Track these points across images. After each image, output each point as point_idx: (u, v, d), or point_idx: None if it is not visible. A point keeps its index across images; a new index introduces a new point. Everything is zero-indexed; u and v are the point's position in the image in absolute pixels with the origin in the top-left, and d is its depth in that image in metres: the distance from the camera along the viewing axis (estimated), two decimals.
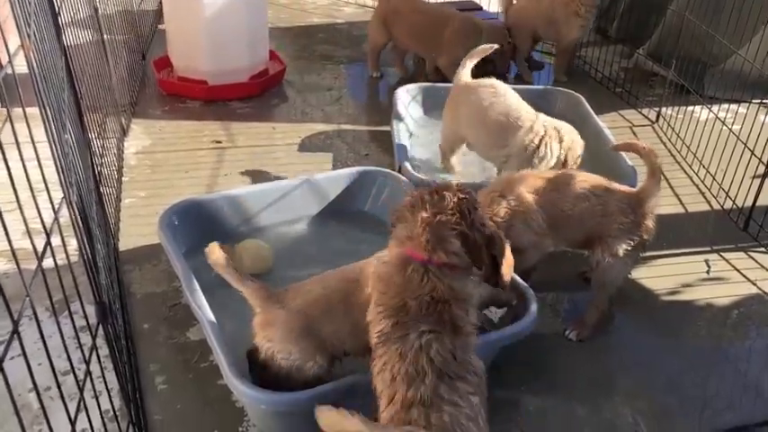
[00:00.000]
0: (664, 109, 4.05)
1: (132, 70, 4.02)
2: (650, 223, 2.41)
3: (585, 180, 2.45)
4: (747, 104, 4.04)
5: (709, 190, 3.39)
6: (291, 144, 3.66)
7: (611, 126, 3.95)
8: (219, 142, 3.63)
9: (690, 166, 3.58)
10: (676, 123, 3.83)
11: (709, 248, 3.00)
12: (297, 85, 4.34)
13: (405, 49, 4.45)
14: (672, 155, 3.72)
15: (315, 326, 1.92)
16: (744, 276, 2.84)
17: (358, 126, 3.87)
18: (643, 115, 4.15)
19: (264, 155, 3.54)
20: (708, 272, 2.85)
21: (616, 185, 2.46)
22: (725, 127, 3.40)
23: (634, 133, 3.93)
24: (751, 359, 2.45)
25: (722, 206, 3.27)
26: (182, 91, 4.06)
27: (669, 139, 3.85)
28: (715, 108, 3.68)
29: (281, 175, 3.27)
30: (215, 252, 1.98)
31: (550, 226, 2.41)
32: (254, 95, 4.11)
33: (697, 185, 3.46)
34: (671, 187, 3.42)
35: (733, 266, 2.89)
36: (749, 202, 3.12)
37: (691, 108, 3.92)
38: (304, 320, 1.91)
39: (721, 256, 2.95)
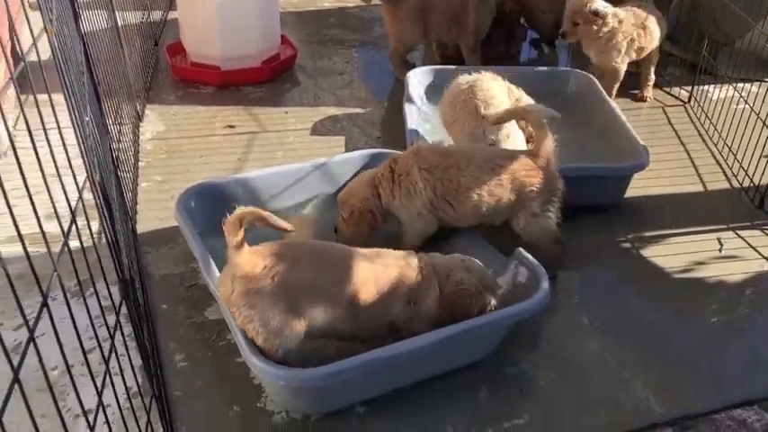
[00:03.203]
0: (693, 88, 4.02)
1: (145, 56, 4.05)
2: (556, 177, 2.56)
3: (487, 152, 2.58)
4: (759, 83, 4.02)
5: (730, 168, 3.39)
6: (304, 128, 3.68)
7: (643, 107, 3.99)
8: (233, 127, 3.67)
9: (715, 146, 3.57)
10: (705, 103, 3.81)
11: (724, 226, 3.01)
12: (308, 69, 4.35)
13: (434, 39, 4.34)
14: (700, 134, 3.72)
15: (298, 301, 1.96)
16: (758, 253, 2.85)
17: (370, 109, 3.89)
18: (673, 96, 4.12)
19: (277, 139, 3.57)
20: (720, 249, 2.86)
21: (515, 151, 2.61)
22: (742, 106, 3.40)
23: (666, 114, 3.92)
24: (763, 335, 2.47)
25: (741, 184, 3.27)
26: (195, 76, 4.09)
27: (699, 119, 3.84)
28: (727, 87, 3.67)
29: (295, 158, 3.30)
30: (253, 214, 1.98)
31: (443, 203, 2.51)
32: (267, 80, 4.13)
33: (720, 164, 3.45)
34: (694, 167, 3.42)
35: (748, 244, 2.90)
36: (765, 180, 3.12)
37: (705, 87, 3.91)
38: (289, 292, 1.95)
39: (737, 233, 2.96)
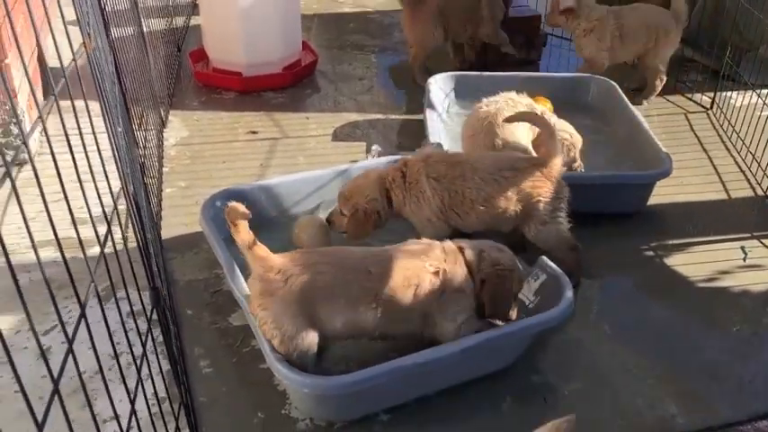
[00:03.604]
0: (716, 95, 3.99)
1: (169, 63, 4.10)
2: (563, 185, 2.55)
3: (493, 163, 2.54)
4: None
5: (754, 176, 3.36)
6: (325, 134, 3.71)
7: (664, 113, 3.96)
8: (255, 132, 3.70)
9: (738, 153, 3.55)
10: (728, 110, 3.79)
11: (748, 234, 2.99)
12: (329, 75, 4.38)
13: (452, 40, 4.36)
14: (722, 141, 3.69)
15: (312, 305, 1.98)
16: None
17: (390, 115, 3.90)
18: (695, 102, 4.09)
19: (299, 144, 3.60)
20: (744, 258, 2.84)
21: (522, 161, 2.57)
22: (766, 113, 3.37)
23: (688, 120, 3.90)
24: None
25: (765, 192, 3.24)
26: (217, 82, 4.13)
27: (721, 126, 3.81)
28: (750, 93, 3.65)
29: (316, 164, 3.32)
30: (235, 209, 2.00)
31: (450, 212, 2.52)
32: (288, 86, 4.16)
33: (744, 172, 3.43)
34: (718, 174, 3.40)
35: None
36: None
37: (727, 93, 3.89)
38: (303, 299, 1.96)
39: (761, 242, 2.94)
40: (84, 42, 1.24)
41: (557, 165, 2.53)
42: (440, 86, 3.73)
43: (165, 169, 3.32)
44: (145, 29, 3.33)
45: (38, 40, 1.16)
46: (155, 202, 2.83)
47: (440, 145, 3.05)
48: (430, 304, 2.07)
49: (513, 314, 2.19)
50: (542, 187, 2.50)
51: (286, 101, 4.05)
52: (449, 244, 2.18)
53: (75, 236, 1.19)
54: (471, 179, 2.49)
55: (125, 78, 2.53)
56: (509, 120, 2.76)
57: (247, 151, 3.53)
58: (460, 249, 2.16)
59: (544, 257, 2.39)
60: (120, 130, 1.54)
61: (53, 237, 1.08)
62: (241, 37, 3.97)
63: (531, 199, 2.50)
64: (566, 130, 3.03)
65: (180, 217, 2.96)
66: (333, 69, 4.45)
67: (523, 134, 2.92)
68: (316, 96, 4.13)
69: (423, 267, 2.07)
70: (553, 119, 2.93)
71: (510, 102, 2.97)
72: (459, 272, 2.11)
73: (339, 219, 2.60)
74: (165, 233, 2.87)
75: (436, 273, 2.07)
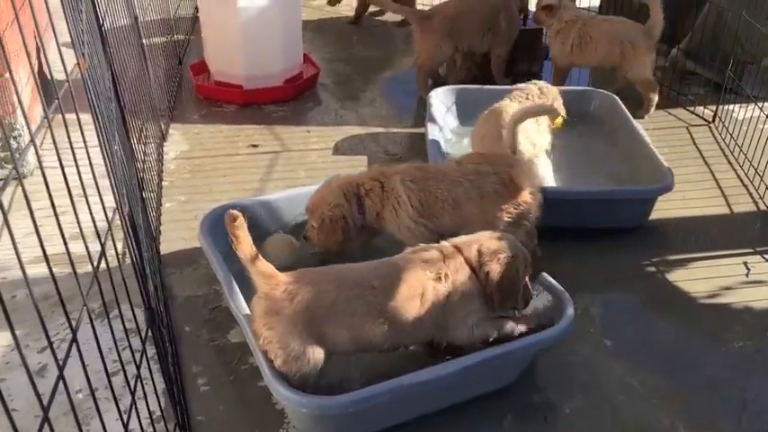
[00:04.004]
0: (718, 108, 3.98)
1: (169, 75, 4.10)
2: (528, 196, 2.56)
3: (459, 170, 2.59)
4: None
5: (756, 190, 3.34)
6: (326, 147, 3.70)
7: (666, 127, 3.95)
8: (256, 146, 3.69)
9: (741, 167, 3.53)
10: (730, 123, 3.77)
11: (751, 250, 2.96)
12: (330, 88, 4.38)
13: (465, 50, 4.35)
14: (725, 155, 3.68)
15: (318, 324, 1.95)
16: None
17: (392, 129, 3.90)
18: (697, 115, 4.08)
19: (300, 158, 3.59)
20: (747, 274, 2.82)
21: (486, 167, 2.58)
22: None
23: (690, 134, 3.89)
24: None
25: None
26: (218, 95, 4.13)
27: (723, 140, 3.79)
28: (753, 106, 3.63)
29: (317, 178, 3.30)
30: (235, 220, 1.96)
31: (426, 213, 2.53)
32: (289, 99, 4.16)
33: (746, 186, 3.41)
34: (720, 188, 3.38)
35: None
36: None
37: (729, 107, 3.88)
38: (309, 318, 1.94)
39: (764, 258, 2.91)
40: (78, 62, 1.23)
41: (520, 170, 2.55)
42: (441, 100, 3.72)
43: (164, 183, 3.31)
44: (145, 42, 3.33)
45: (39, 56, 1.15)
46: (153, 216, 2.83)
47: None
48: (438, 311, 2.05)
49: (523, 304, 2.18)
50: (501, 195, 2.53)
51: (287, 114, 4.04)
52: (446, 246, 2.15)
53: (73, 252, 1.17)
54: (442, 182, 2.54)
55: (124, 93, 2.53)
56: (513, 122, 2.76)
57: (248, 165, 3.52)
58: (458, 249, 2.13)
59: (545, 274, 2.37)
60: (115, 148, 1.53)
61: (52, 252, 1.06)
62: (242, 49, 3.97)
63: (490, 204, 2.53)
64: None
65: (179, 231, 2.95)
66: (335, 82, 4.45)
67: (530, 127, 2.99)
68: (317, 109, 4.13)
69: (424, 275, 2.05)
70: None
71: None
72: (462, 273, 2.09)
73: (311, 233, 2.60)
74: (164, 248, 2.86)
75: (438, 278, 2.05)
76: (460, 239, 2.20)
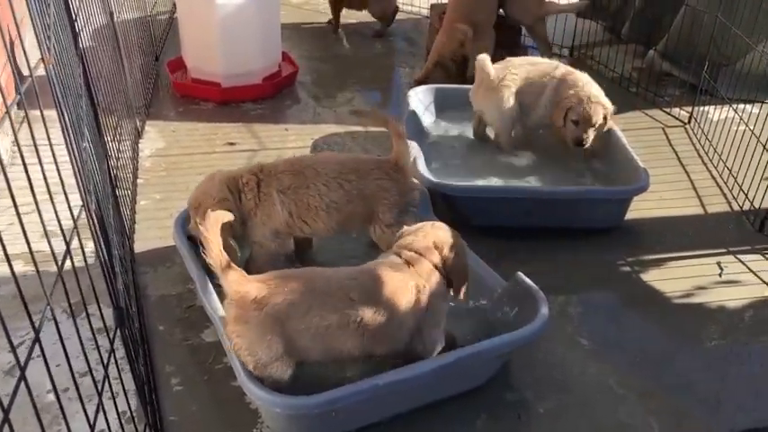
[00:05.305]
0: (693, 109, 4.01)
1: (146, 72, 4.05)
2: (411, 187, 2.56)
3: (337, 167, 2.51)
4: (761, 104, 4.02)
5: (730, 191, 3.38)
6: (304, 146, 3.68)
7: (642, 127, 3.98)
8: (233, 144, 3.66)
9: (715, 168, 3.56)
10: (705, 124, 3.81)
11: (724, 250, 2.99)
12: (309, 86, 4.36)
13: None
14: (700, 156, 3.71)
15: (288, 332, 1.92)
16: (758, 278, 2.83)
17: (370, 127, 3.88)
18: (673, 116, 4.11)
19: (277, 156, 3.55)
20: (720, 274, 2.85)
21: (368, 163, 2.56)
22: (742, 128, 3.39)
23: (666, 135, 3.92)
24: (764, 361, 2.44)
25: (741, 207, 3.25)
26: (195, 93, 4.10)
27: (699, 141, 3.83)
28: (727, 108, 3.68)
29: None
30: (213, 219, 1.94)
31: (297, 224, 2.50)
32: (268, 97, 4.14)
33: (720, 187, 3.44)
34: (695, 189, 3.41)
35: (748, 268, 2.88)
36: (766, 204, 3.10)
37: (705, 108, 3.91)
38: (279, 326, 1.90)
39: (737, 258, 2.94)
40: (42, 57, 1.20)
41: (404, 166, 2.54)
42: (419, 98, 3.72)
43: (140, 181, 3.28)
44: (120, 38, 3.29)
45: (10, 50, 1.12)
46: (127, 214, 2.79)
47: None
48: (418, 319, 2.04)
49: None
50: (387, 189, 2.50)
51: (265, 112, 4.02)
52: (410, 255, 2.10)
53: (43, 250, 1.15)
54: (314, 186, 2.47)
55: (98, 89, 2.49)
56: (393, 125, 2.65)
57: (225, 163, 3.48)
58: (420, 254, 2.10)
59: (520, 273, 2.37)
60: (84, 145, 1.50)
61: (22, 251, 1.04)
62: (220, 47, 3.94)
63: (375, 200, 2.50)
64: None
65: (154, 230, 2.91)
66: (313, 81, 4.43)
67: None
68: (295, 108, 4.10)
69: (406, 288, 2.02)
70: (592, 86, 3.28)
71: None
72: (434, 279, 2.08)
73: (196, 229, 2.46)
74: (139, 246, 2.82)
75: (418, 290, 2.04)
76: (414, 243, 2.13)
